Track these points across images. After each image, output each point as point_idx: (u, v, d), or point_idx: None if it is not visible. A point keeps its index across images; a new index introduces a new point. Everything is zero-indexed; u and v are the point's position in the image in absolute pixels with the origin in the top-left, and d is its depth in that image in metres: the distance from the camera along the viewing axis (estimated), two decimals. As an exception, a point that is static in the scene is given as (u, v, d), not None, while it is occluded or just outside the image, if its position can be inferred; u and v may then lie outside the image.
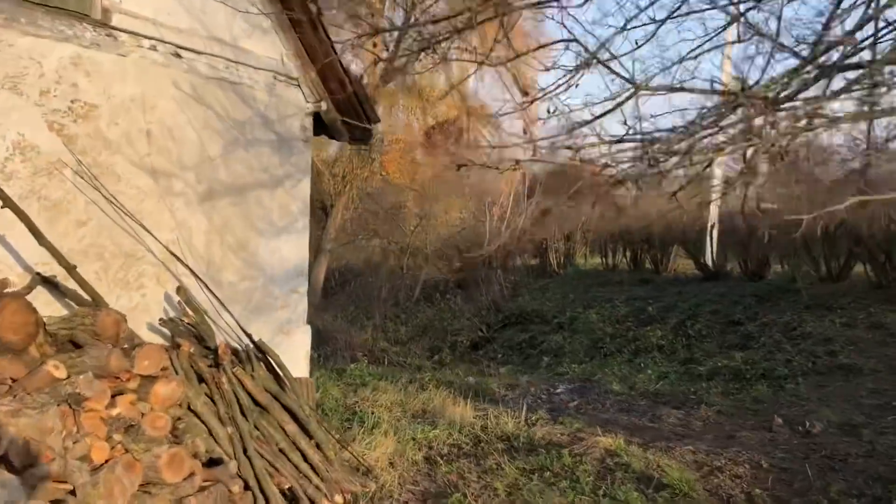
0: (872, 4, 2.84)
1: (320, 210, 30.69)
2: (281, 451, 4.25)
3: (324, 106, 5.49)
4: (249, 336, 4.55)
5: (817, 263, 11.75)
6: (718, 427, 6.96)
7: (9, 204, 3.67)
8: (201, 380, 4.09)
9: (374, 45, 20.84)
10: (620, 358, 11.58)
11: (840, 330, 9.38)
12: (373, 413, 7.32)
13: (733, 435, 6.44)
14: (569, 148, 3.59)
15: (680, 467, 5.33)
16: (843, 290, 11.00)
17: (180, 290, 4.37)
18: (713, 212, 17.30)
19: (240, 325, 4.59)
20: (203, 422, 3.90)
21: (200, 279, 4.51)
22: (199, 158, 4.68)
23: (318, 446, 4.47)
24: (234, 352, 4.48)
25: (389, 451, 5.83)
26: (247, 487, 3.82)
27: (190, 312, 4.35)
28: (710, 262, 15.38)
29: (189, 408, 3.90)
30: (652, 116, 3.52)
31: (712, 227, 16.39)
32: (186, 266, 4.47)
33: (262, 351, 4.49)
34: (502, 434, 6.68)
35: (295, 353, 5.38)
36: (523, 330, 15.93)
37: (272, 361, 4.50)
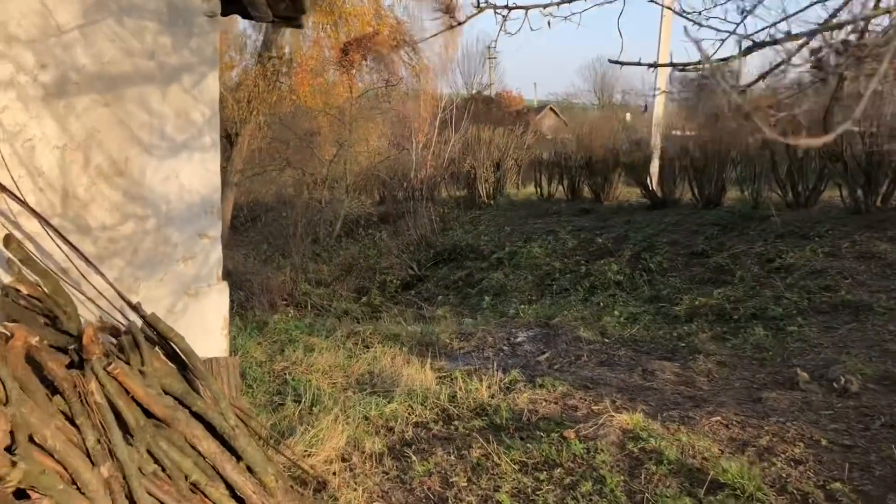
0: None
1: (224, 139, 28.25)
2: (194, 486, 2.74)
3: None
4: (135, 307, 2.96)
5: (784, 187, 10.82)
6: (729, 384, 5.85)
7: None
8: (55, 390, 2.51)
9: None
10: (576, 296, 10.42)
11: (826, 261, 8.44)
12: (309, 382, 5.86)
13: (758, 397, 5.32)
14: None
15: (725, 453, 4.14)
16: (815, 217, 10.11)
17: (11, 240, 2.72)
18: (655, 133, 16.27)
19: (119, 294, 2.99)
20: (58, 462, 2.34)
21: (50, 224, 2.87)
22: (40, 28, 2.96)
23: (250, 469, 2.97)
24: (114, 334, 2.89)
25: (341, 443, 4.40)
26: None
27: (32, 278, 2.72)
28: (654, 189, 14.38)
29: (32, 440, 2.32)
30: None
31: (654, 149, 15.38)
32: (23, 203, 2.82)
33: (156, 330, 2.91)
34: (476, 405, 5.36)
35: (208, 324, 3.81)
36: (458, 267, 14.62)
37: (173, 345, 2.93)
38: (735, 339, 7.13)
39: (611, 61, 2.25)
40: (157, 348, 2.94)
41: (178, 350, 2.91)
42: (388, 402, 5.30)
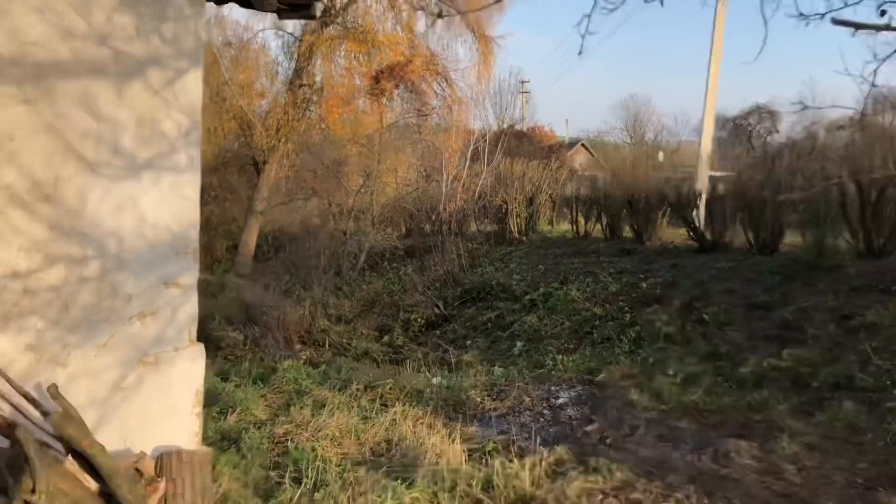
0: None
1: (252, 167, 27.72)
2: None
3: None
4: (34, 401, 2.03)
5: (856, 234, 9.71)
6: (826, 477, 4.75)
7: None
8: None
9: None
10: (620, 348, 9.35)
11: (918, 322, 7.33)
12: (314, 453, 4.88)
13: (873, 501, 4.23)
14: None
15: None
16: (892, 268, 9.00)
17: None
18: (702, 173, 15.26)
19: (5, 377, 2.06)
20: None
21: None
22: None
23: None
24: (6, 434, 1.95)
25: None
26: None
27: None
28: (702, 231, 13.31)
29: None
30: None
31: (702, 191, 14.36)
32: None
33: (63, 438, 1.96)
34: (517, 496, 4.34)
35: (173, 401, 2.87)
36: (488, 307, 13.61)
37: (90, 457, 1.97)
38: (820, 413, 6.02)
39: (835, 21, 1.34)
40: (71, 458, 1.99)
41: (98, 464, 1.96)
42: (408, 488, 4.30)
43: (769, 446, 5.30)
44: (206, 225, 29.95)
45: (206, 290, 19.01)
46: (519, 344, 11.15)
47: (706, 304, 9.72)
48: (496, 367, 9.69)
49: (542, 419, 6.44)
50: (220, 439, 5.18)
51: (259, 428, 5.51)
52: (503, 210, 18.91)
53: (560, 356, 9.41)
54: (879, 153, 9.89)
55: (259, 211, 26.23)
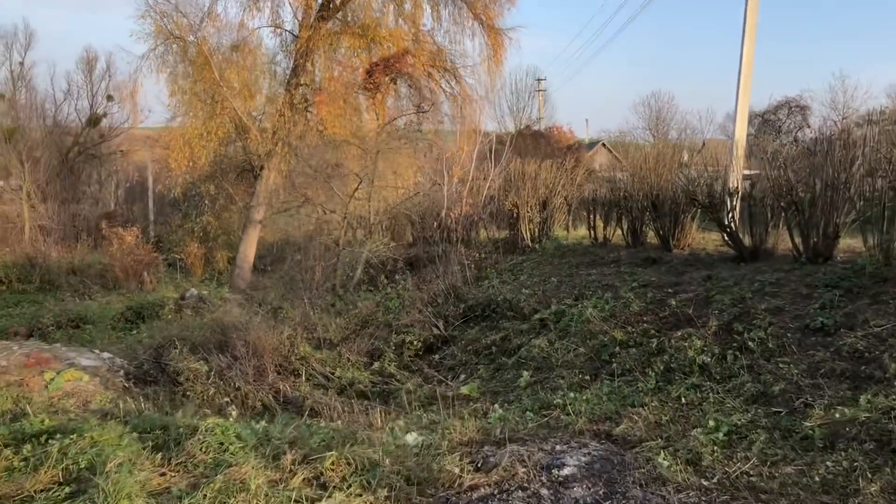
0: None
1: (249, 173, 26.18)
2: None
3: None
4: None
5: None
6: None
7: None
8: None
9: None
10: (645, 384, 7.60)
11: None
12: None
13: None
14: None
15: None
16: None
17: None
18: (736, 168, 13.40)
19: None
20: None
21: None
22: None
23: None
24: None
25: None
26: None
27: None
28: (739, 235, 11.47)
29: None
30: None
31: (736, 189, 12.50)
32: None
33: None
34: None
35: None
36: (492, 327, 11.93)
37: None
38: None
39: None
40: None
41: None
42: None
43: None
44: (205, 236, 28.56)
45: (198, 309, 17.51)
46: (525, 374, 9.44)
47: (749, 327, 7.94)
48: (495, 408, 8.04)
49: (537, 499, 4.72)
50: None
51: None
52: (514, 215, 17.20)
53: (571, 394, 7.70)
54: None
55: (258, 220, 24.68)
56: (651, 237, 13.79)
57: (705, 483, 4.82)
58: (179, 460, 5.04)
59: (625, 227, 14.40)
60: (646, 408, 6.74)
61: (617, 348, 8.90)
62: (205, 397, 9.70)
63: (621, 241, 14.62)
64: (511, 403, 8.41)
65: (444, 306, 13.19)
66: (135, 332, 16.66)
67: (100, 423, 5.76)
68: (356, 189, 16.03)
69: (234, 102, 21.96)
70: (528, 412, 7.43)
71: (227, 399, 9.43)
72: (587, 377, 8.58)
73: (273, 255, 28.30)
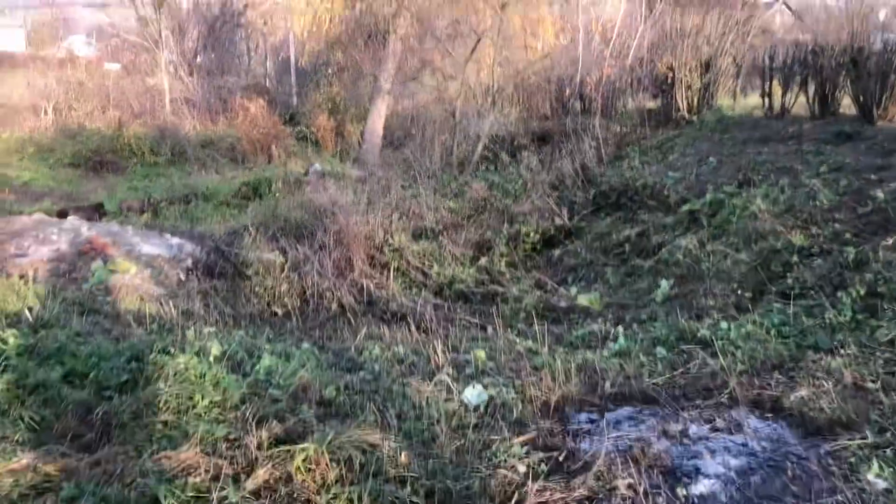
0: None
1: (374, 39, 24.20)
2: None
3: None
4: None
5: None
6: None
7: None
8: None
9: None
10: (836, 315, 5.16)
11: None
12: None
13: None
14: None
15: None
16: None
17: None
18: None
19: None
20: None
21: None
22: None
23: None
24: None
25: None
26: None
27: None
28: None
29: None
30: None
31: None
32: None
33: None
34: None
35: None
36: (627, 220, 9.67)
37: None
38: None
39: None
40: None
41: None
42: None
43: None
44: (334, 107, 27.29)
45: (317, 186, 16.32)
46: (664, 284, 7.30)
47: None
48: (618, 333, 5.96)
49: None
50: None
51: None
52: (668, 80, 14.25)
53: (724, 323, 5.45)
54: None
55: (386, 90, 22.94)
56: (846, 105, 10.66)
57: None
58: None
59: (811, 91, 11.25)
60: (839, 355, 4.43)
61: (794, 257, 6.43)
62: (275, 294, 8.32)
63: (805, 112, 11.51)
64: (642, 324, 6.33)
65: (570, 191, 10.96)
66: (249, 209, 15.80)
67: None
68: (473, 50, 13.66)
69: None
70: (659, 346, 5.32)
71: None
72: (748, 296, 6.27)
73: (407, 128, 26.73)
